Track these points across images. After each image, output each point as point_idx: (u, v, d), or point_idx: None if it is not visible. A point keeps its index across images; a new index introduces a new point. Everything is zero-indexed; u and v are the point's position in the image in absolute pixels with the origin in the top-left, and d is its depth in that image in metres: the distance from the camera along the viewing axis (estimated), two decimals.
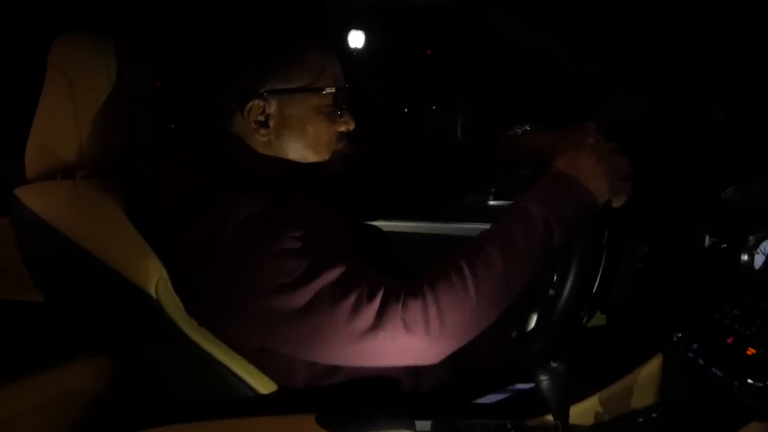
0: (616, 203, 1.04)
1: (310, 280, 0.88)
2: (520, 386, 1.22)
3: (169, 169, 1.03)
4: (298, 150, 1.07)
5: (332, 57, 1.08)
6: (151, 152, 1.09)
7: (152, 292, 0.92)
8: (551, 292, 1.02)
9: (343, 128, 1.10)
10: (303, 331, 0.90)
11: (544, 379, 0.91)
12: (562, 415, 0.93)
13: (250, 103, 1.02)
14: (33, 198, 0.99)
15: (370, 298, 0.89)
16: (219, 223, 0.90)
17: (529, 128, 1.28)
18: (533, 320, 1.03)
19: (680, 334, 1.04)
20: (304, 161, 1.08)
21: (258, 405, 0.98)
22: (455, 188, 1.43)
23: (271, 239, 0.90)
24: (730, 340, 0.95)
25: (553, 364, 0.91)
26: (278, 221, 0.92)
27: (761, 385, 0.87)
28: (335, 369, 1.03)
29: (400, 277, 0.96)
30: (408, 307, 0.90)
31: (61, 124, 1.00)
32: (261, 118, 1.03)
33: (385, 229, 1.38)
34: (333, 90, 1.05)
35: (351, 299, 0.89)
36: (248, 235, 0.89)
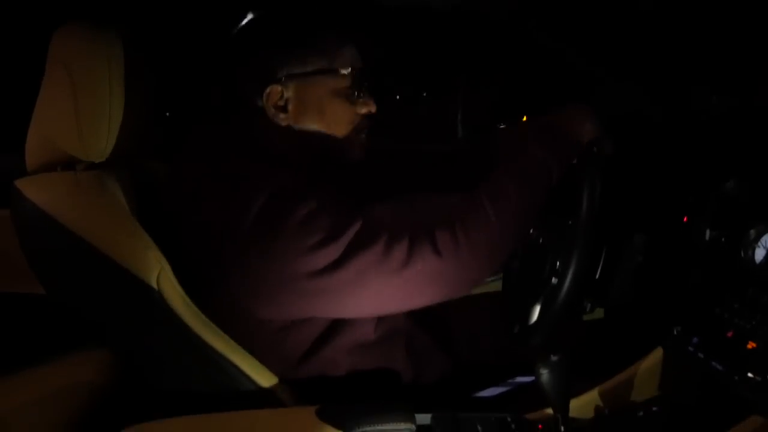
0: (600, 137, 1.09)
1: (340, 232, 0.93)
2: (520, 379, 1.22)
3: (196, 152, 1.05)
4: (318, 132, 1.08)
5: (348, 40, 1.09)
6: (178, 138, 1.11)
7: (153, 284, 0.92)
8: (554, 280, 1.02)
9: (363, 110, 1.11)
10: (344, 280, 0.93)
11: (544, 373, 0.91)
12: (562, 408, 0.93)
13: (269, 88, 1.04)
14: (33, 190, 0.99)
15: (400, 235, 0.94)
16: (246, 201, 0.92)
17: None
18: (536, 312, 1.03)
19: (680, 328, 1.04)
20: (325, 143, 1.09)
21: (259, 397, 0.98)
22: None
23: (296, 208, 0.93)
24: (730, 334, 0.95)
25: (553, 358, 0.91)
26: (300, 191, 0.95)
27: (761, 378, 0.87)
28: (337, 361, 1.04)
29: None
30: (437, 235, 0.95)
31: (62, 115, 0.99)
32: (280, 102, 1.05)
33: None
34: (348, 71, 1.07)
35: (382, 239, 0.93)
36: (275, 209, 0.92)
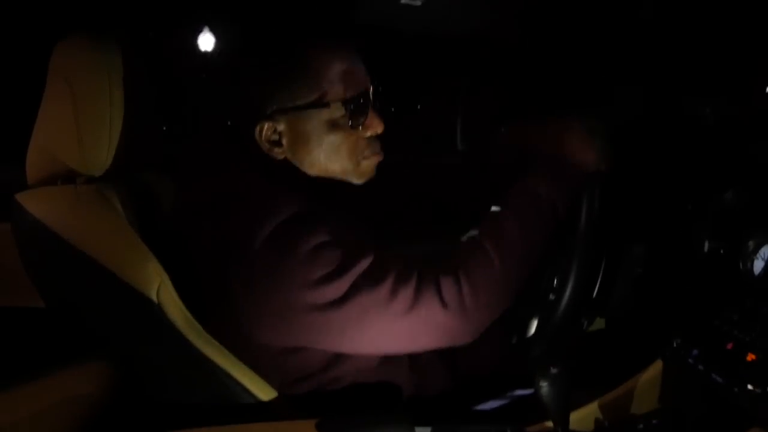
0: (606, 166, 1.07)
1: (347, 268, 0.91)
2: (519, 392, 1.22)
3: (208, 168, 1.04)
4: (319, 165, 1.03)
5: (343, 64, 1.02)
6: (178, 151, 1.10)
7: (153, 297, 0.92)
8: (551, 297, 1.02)
9: (368, 133, 1.05)
10: (346, 318, 0.91)
11: (544, 385, 0.91)
12: (562, 421, 0.93)
13: (258, 126, 0.99)
14: (34, 203, 0.99)
15: (407, 279, 0.93)
16: (253, 230, 0.91)
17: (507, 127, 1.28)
18: (533, 326, 1.03)
19: (680, 340, 1.04)
20: (327, 175, 1.04)
21: (258, 411, 0.98)
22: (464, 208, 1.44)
23: (307, 237, 0.91)
24: (729, 346, 0.95)
25: (553, 370, 0.91)
26: (310, 219, 0.94)
27: (761, 390, 0.87)
28: (339, 380, 1.03)
29: None
30: (443, 285, 0.93)
31: (63, 128, 1.00)
32: (274, 137, 1.00)
33: None
34: (340, 102, 1.00)
35: (389, 281, 0.92)
36: (285, 236, 0.91)
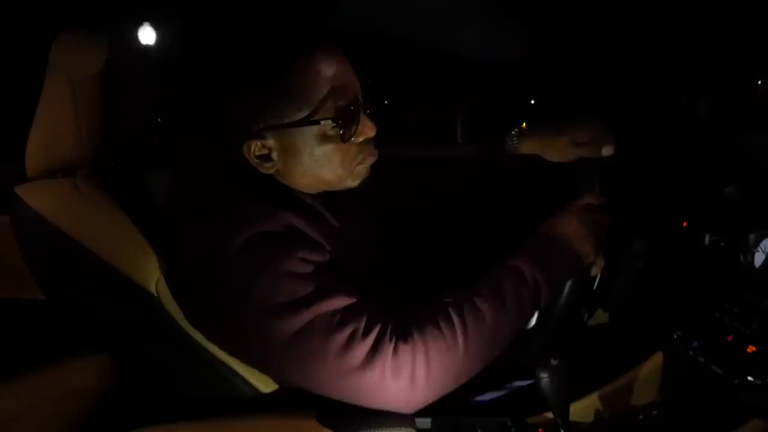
0: (599, 265, 1.04)
1: (309, 305, 0.87)
2: (519, 383, 1.22)
3: (194, 174, 1.02)
4: (311, 175, 1.00)
5: (331, 73, 0.96)
6: (180, 153, 1.09)
7: (153, 290, 0.93)
8: None
9: (360, 138, 1.01)
10: (293, 356, 0.87)
11: (544, 377, 0.91)
12: (562, 412, 0.93)
13: (245, 144, 0.96)
14: (33, 196, 0.99)
15: (365, 335, 0.88)
16: (229, 235, 0.88)
17: (521, 130, 1.26)
18: (534, 318, 1.03)
19: (680, 332, 1.04)
20: (321, 184, 1.02)
21: (259, 403, 0.98)
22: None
23: (279, 259, 0.88)
24: (730, 338, 0.95)
25: (553, 362, 0.91)
26: (289, 241, 0.91)
27: (761, 382, 0.87)
28: None
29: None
30: (398, 353, 0.88)
31: (62, 122, 1.00)
32: (263, 152, 0.97)
33: None
34: (330, 119, 0.96)
35: (346, 333, 0.87)
36: (255, 252, 0.88)
